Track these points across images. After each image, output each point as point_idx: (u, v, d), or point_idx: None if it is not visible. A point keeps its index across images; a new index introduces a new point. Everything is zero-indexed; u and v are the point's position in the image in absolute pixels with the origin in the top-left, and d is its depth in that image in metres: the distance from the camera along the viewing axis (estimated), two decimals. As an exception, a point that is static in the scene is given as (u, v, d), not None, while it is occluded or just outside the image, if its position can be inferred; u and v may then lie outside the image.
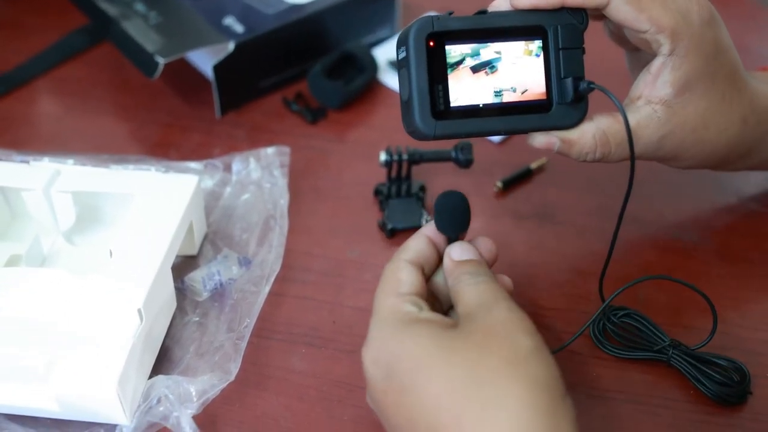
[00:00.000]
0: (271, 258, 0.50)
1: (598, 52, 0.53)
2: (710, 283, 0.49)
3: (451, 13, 0.41)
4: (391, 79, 0.66)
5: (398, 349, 0.35)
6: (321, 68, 0.63)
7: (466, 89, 0.41)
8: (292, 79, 0.66)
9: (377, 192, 0.55)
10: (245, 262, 0.51)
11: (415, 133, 0.41)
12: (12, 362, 0.42)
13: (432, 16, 0.41)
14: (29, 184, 0.50)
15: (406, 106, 0.41)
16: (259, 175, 0.55)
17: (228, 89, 0.62)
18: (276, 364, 0.46)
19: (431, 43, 0.40)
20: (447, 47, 0.41)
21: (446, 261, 0.39)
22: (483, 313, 0.36)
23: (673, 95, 0.43)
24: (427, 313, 0.37)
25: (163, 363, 0.46)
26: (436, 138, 0.41)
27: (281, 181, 0.55)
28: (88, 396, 0.41)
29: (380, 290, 0.38)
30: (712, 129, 0.44)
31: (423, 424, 0.34)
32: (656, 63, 0.43)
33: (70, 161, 0.55)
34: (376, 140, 0.59)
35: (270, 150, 0.56)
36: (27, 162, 0.54)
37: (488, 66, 0.41)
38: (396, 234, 0.53)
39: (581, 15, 0.42)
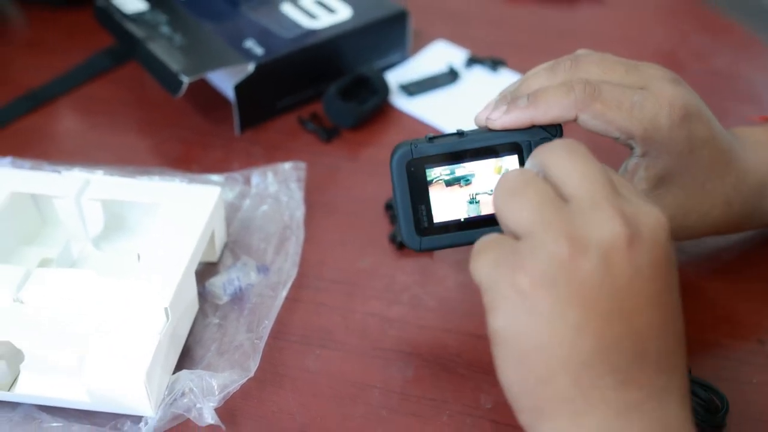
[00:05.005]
0: (287, 266, 0.53)
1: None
2: (701, 293, 0.52)
3: (430, 138, 0.44)
4: (402, 102, 0.70)
5: None
6: (336, 90, 0.66)
7: (445, 205, 0.44)
8: (308, 100, 0.69)
9: (388, 207, 0.58)
10: (263, 269, 0.53)
11: (404, 245, 0.46)
12: (45, 356, 0.44)
13: (411, 143, 0.44)
14: (61, 192, 0.53)
15: (396, 219, 0.45)
16: (277, 188, 0.58)
17: (247, 108, 0.66)
18: (292, 364, 0.48)
19: (412, 169, 0.44)
20: (427, 170, 0.44)
21: None
22: None
23: (649, 191, 0.45)
24: None
25: (185, 361, 0.48)
26: (422, 251, 0.46)
27: (297, 195, 0.58)
28: (116, 388, 0.44)
29: None
30: (694, 216, 0.46)
31: None
32: (631, 162, 0.45)
33: (99, 172, 0.58)
34: (386, 159, 0.61)
35: (287, 165, 0.60)
36: (59, 171, 0.57)
37: (462, 180, 0.44)
38: (405, 246, 0.56)
39: (555, 129, 0.44)
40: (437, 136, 0.44)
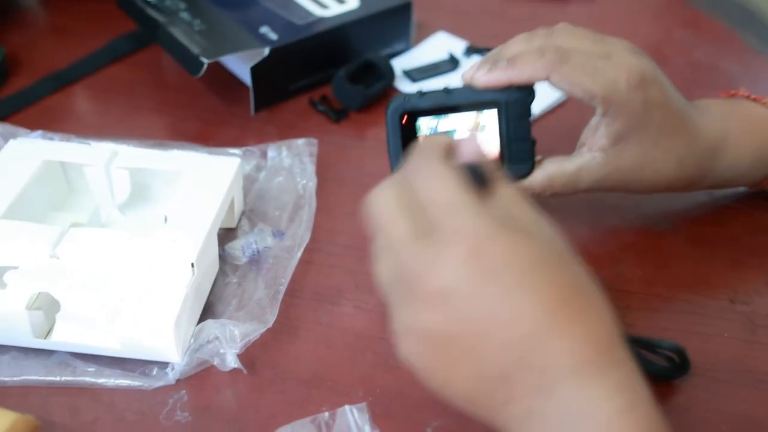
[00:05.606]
0: (301, 231, 0.58)
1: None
2: (678, 261, 0.57)
3: (421, 94, 0.52)
4: (406, 87, 0.74)
5: None
6: (345, 74, 0.71)
7: None
8: (319, 83, 0.74)
9: (393, 181, 0.63)
10: (278, 234, 0.58)
11: None
12: (79, 307, 0.48)
13: (405, 96, 0.51)
14: (92, 160, 0.57)
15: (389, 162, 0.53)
16: (291, 162, 0.63)
17: (262, 89, 0.70)
18: (306, 318, 0.53)
19: (405, 118, 0.52)
20: (416, 121, 0.52)
21: None
22: None
23: (608, 145, 0.51)
24: None
25: (207, 316, 0.52)
26: None
27: (310, 168, 0.62)
28: (146, 336, 0.48)
29: None
30: (648, 171, 0.52)
31: None
32: (594, 120, 0.52)
33: (124, 145, 0.62)
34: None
35: (300, 141, 0.64)
36: (88, 143, 0.61)
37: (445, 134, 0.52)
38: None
39: (528, 89, 0.51)
40: (426, 92, 0.52)
